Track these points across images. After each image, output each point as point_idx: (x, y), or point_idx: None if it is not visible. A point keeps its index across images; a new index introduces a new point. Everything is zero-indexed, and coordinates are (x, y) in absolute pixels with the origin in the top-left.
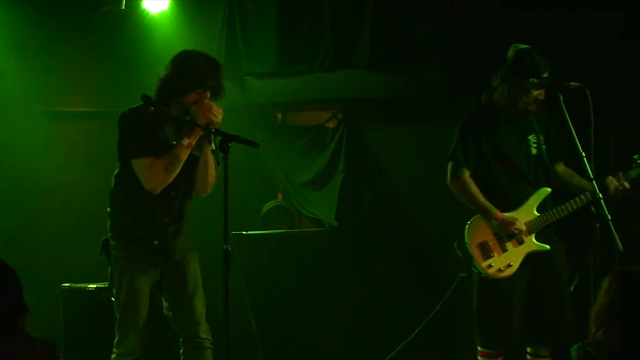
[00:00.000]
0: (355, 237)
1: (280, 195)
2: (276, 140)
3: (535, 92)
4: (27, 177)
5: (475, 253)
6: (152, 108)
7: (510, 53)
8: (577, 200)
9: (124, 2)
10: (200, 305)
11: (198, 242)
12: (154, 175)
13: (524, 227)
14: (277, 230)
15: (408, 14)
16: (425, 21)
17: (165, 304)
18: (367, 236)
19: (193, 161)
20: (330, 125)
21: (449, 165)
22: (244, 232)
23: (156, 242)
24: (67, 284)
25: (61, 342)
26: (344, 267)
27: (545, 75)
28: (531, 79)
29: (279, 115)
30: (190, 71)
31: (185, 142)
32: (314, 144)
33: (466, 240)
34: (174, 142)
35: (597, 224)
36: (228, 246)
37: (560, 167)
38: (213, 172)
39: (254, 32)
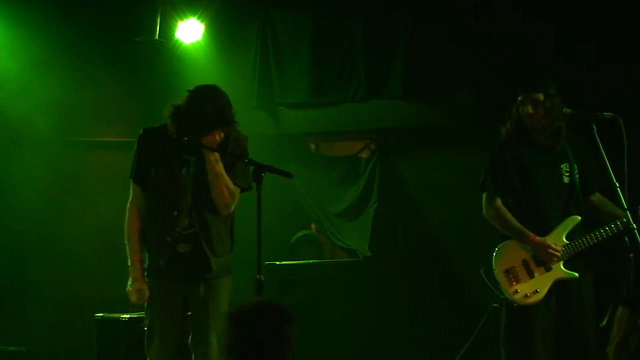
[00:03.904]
0: (389, 268)
1: (313, 226)
2: (309, 171)
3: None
4: (60, 207)
5: (502, 279)
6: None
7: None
8: (608, 228)
9: (157, 32)
10: (213, 335)
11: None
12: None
13: (560, 249)
14: (311, 261)
15: (440, 44)
16: (458, 50)
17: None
18: (400, 266)
19: (198, 182)
20: (364, 155)
21: (484, 195)
22: (277, 262)
23: (162, 262)
24: (101, 314)
25: None
26: (377, 297)
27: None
28: (564, 109)
29: (312, 146)
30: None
31: (212, 158)
32: (347, 174)
33: (493, 266)
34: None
35: (631, 255)
36: (261, 276)
37: (596, 197)
38: (223, 192)
39: (287, 62)
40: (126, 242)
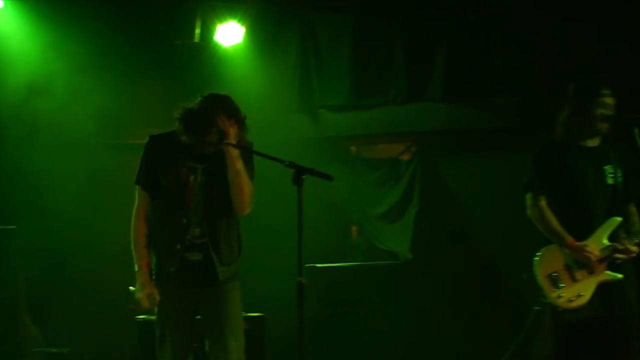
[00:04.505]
0: (430, 271)
1: (354, 228)
2: (350, 173)
3: (602, 125)
4: (100, 209)
5: (545, 284)
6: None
7: (570, 87)
8: None
9: (197, 35)
10: (231, 339)
11: (272, 274)
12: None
13: (597, 253)
14: (351, 263)
15: (481, 46)
16: (499, 52)
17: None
18: (442, 269)
19: (207, 190)
20: (404, 157)
21: (527, 195)
22: (318, 265)
23: (171, 269)
24: (143, 316)
25: None
26: (418, 300)
27: (608, 96)
28: (600, 111)
29: (353, 148)
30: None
31: (234, 154)
32: (388, 177)
33: (535, 271)
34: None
35: None
36: (303, 279)
37: (632, 208)
38: (244, 190)
39: (328, 64)
40: (132, 247)
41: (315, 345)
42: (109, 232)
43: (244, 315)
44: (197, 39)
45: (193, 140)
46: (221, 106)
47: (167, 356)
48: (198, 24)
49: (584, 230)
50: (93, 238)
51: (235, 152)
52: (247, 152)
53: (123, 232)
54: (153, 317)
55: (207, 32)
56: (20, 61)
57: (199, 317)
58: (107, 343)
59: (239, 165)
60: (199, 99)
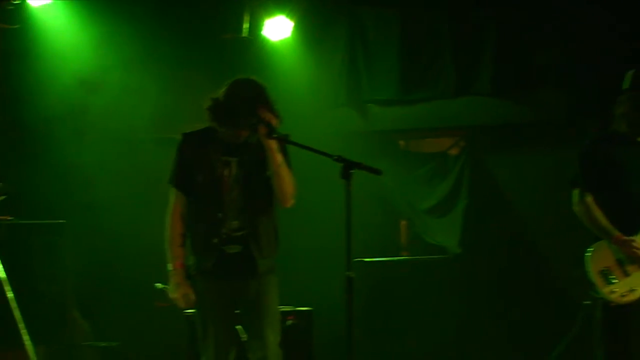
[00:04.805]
0: (479, 265)
1: (402, 222)
2: (398, 167)
3: None
4: (148, 205)
5: (597, 280)
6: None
7: (627, 78)
8: None
9: (245, 30)
10: (269, 331)
11: (321, 269)
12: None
13: None
14: (399, 258)
15: (530, 40)
16: (548, 46)
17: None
18: (491, 264)
19: (245, 183)
20: (453, 152)
21: (574, 192)
22: (366, 259)
23: (210, 263)
24: (191, 310)
25: None
26: (467, 294)
27: None
28: None
29: (401, 142)
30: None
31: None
32: (437, 171)
33: (587, 267)
34: (220, 159)
35: None
36: (351, 273)
37: None
38: (286, 181)
39: (376, 59)
40: (167, 246)
41: (363, 339)
42: (158, 227)
43: (293, 309)
44: (245, 33)
45: (224, 129)
46: (245, 91)
47: (211, 351)
48: (246, 18)
49: (633, 224)
50: (142, 233)
51: (275, 145)
52: (283, 143)
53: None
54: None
55: (255, 27)
56: (70, 57)
57: (237, 311)
58: (156, 337)
59: (280, 157)
60: (225, 87)
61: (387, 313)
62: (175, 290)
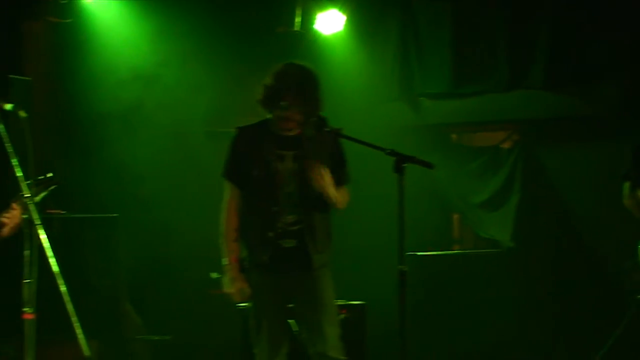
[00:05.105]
0: (532, 259)
1: (455, 216)
2: (451, 161)
3: None
4: (198, 198)
5: None
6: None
7: None
8: None
9: (298, 24)
10: (327, 324)
11: (374, 262)
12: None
13: None
14: (452, 252)
15: (584, 34)
16: (601, 40)
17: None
18: (544, 257)
19: (301, 177)
20: (506, 145)
21: (625, 185)
22: (419, 253)
23: (265, 257)
24: (244, 304)
25: None
26: (520, 288)
27: None
28: None
29: (454, 136)
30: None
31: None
32: (489, 165)
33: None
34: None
35: None
36: (404, 267)
37: None
38: (340, 202)
39: (429, 52)
40: (222, 240)
41: (416, 333)
42: (210, 221)
43: (345, 303)
44: (297, 27)
45: (275, 114)
46: (290, 77)
47: (264, 344)
48: (299, 12)
49: None
50: (194, 226)
51: (315, 172)
52: (340, 137)
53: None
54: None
55: (307, 21)
56: (124, 51)
57: (291, 305)
58: (209, 331)
59: (332, 191)
60: (272, 71)
61: (440, 307)
62: (231, 284)
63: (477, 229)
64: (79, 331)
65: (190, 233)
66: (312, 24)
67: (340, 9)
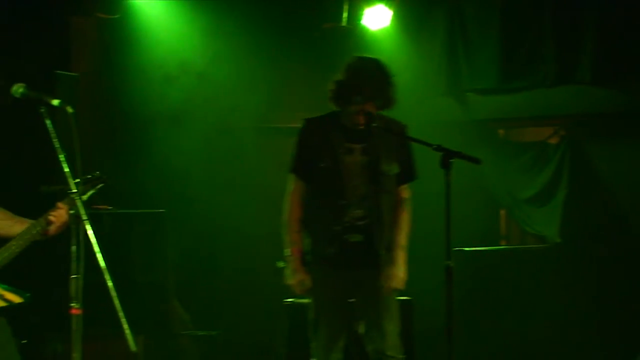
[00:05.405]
0: (579, 255)
1: (502, 211)
2: (498, 156)
3: None
4: (245, 194)
5: None
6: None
7: None
8: None
9: (345, 19)
10: (388, 321)
11: (421, 258)
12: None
13: None
14: (499, 247)
15: (632, 28)
16: None
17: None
18: (592, 253)
19: (369, 171)
20: (553, 141)
21: None
22: (466, 249)
23: (331, 251)
24: (291, 299)
25: (284, 356)
26: (566, 284)
27: None
28: None
29: (501, 131)
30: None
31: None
32: (537, 160)
33: None
34: (343, 146)
35: None
36: (451, 262)
37: None
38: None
39: (476, 48)
40: (284, 232)
41: (462, 329)
42: (256, 216)
43: None
44: (344, 22)
45: (347, 110)
46: (366, 71)
47: (322, 339)
48: (346, 7)
49: None
50: (240, 222)
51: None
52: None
53: (269, 215)
54: (301, 300)
55: (354, 16)
56: (172, 49)
57: (352, 300)
58: (255, 326)
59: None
60: (345, 67)
61: (486, 302)
62: (292, 276)
63: (524, 225)
64: (125, 327)
65: (237, 228)
66: (359, 19)
67: (387, 4)
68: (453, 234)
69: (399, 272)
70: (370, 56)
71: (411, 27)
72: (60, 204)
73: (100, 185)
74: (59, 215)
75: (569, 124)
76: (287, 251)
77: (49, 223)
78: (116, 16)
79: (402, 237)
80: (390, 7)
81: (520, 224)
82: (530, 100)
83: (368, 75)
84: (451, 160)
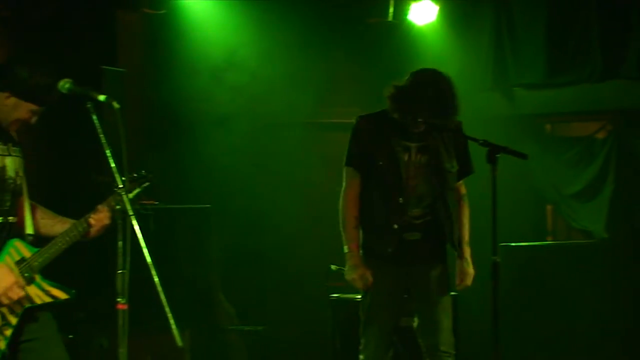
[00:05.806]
0: (626, 250)
1: (549, 207)
2: (545, 151)
3: None
4: (291, 189)
5: None
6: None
7: None
8: None
9: (391, 14)
10: (443, 317)
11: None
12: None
13: None
14: (545, 242)
15: None
16: None
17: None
18: (638, 249)
19: (427, 170)
20: (600, 136)
21: None
22: (513, 244)
23: (389, 249)
24: (336, 295)
25: (330, 351)
26: (613, 279)
27: None
28: None
29: (548, 126)
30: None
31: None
32: (583, 155)
33: None
34: (400, 144)
35: None
36: (497, 258)
37: None
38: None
39: (522, 43)
40: (342, 228)
41: (508, 324)
42: (301, 211)
43: None
44: (390, 17)
45: (404, 119)
46: (431, 85)
47: (373, 335)
48: (392, 2)
49: None
50: (285, 217)
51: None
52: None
53: (316, 211)
54: (346, 296)
55: (400, 11)
56: (218, 44)
57: (406, 296)
58: (301, 321)
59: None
60: (409, 76)
61: (533, 298)
62: (353, 271)
63: (570, 220)
64: (171, 321)
65: (282, 224)
66: (405, 14)
67: None
68: (499, 230)
69: (469, 269)
70: (437, 70)
71: (457, 22)
72: (100, 207)
73: (147, 184)
74: (99, 218)
75: (615, 119)
76: (346, 247)
77: (90, 225)
78: (162, 12)
79: (467, 233)
80: (436, 2)
81: (567, 220)
82: (577, 95)
83: (434, 96)
84: (497, 155)
